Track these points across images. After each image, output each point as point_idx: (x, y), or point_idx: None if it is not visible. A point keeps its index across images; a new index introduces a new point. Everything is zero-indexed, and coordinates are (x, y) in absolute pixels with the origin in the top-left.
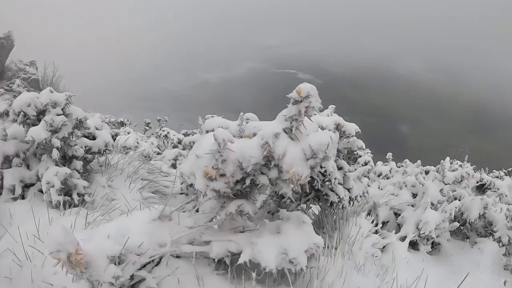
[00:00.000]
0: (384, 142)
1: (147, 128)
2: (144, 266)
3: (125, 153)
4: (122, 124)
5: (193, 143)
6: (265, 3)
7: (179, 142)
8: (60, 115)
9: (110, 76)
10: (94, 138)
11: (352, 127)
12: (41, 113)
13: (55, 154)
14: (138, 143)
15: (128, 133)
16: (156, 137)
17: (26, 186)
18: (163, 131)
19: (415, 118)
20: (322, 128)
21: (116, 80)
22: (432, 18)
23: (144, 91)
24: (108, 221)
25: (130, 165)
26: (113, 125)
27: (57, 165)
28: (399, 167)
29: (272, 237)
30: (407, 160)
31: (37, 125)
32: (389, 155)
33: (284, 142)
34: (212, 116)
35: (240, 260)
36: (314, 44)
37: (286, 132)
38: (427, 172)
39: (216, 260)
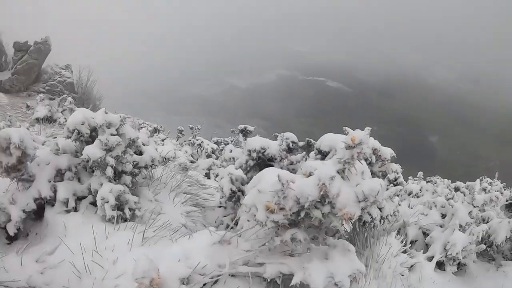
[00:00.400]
0: (413, 153)
1: (180, 135)
2: (205, 284)
3: (165, 164)
4: (155, 130)
5: (233, 159)
6: (296, 10)
7: (213, 151)
8: (114, 135)
9: (140, 80)
10: (141, 153)
11: (387, 152)
12: (93, 130)
13: (109, 171)
14: (175, 153)
15: (163, 140)
16: (189, 145)
17: (78, 199)
18: (197, 140)
19: (445, 129)
20: None
21: (146, 84)
22: (464, 27)
23: (173, 95)
24: (160, 237)
25: (172, 178)
26: (150, 132)
27: (110, 181)
28: (428, 181)
29: (320, 263)
30: (438, 178)
31: (89, 141)
32: (420, 174)
33: (338, 183)
34: (243, 126)
35: (293, 282)
36: (343, 51)
37: (338, 173)
38: (456, 189)
39: (268, 280)
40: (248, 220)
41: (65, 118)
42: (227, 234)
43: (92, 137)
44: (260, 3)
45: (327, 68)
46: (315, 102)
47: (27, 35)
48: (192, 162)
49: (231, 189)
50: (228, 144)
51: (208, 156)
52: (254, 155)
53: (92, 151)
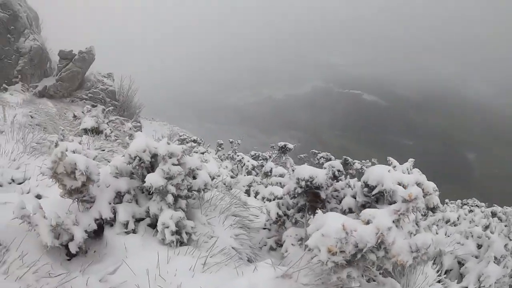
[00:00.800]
0: (449, 170)
1: (220, 148)
2: None
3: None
4: (195, 141)
5: (281, 184)
6: (333, 23)
7: (253, 168)
8: (176, 165)
9: (177, 88)
10: (194, 177)
11: (430, 186)
12: (153, 157)
13: (170, 199)
14: (219, 170)
15: (203, 153)
16: (229, 159)
17: (137, 221)
18: (238, 155)
19: (483, 146)
20: (403, 186)
21: (182, 91)
22: (506, 41)
23: (208, 103)
24: (220, 265)
25: (222, 200)
26: (187, 142)
27: (169, 207)
28: (464, 204)
29: None
30: (475, 200)
31: (148, 167)
32: (458, 202)
33: (394, 233)
34: (283, 143)
35: None
36: (380, 64)
37: (393, 222)
38: (493, 214)
39: None
40: (312, 259)
41: (110, 130)
42: (289, 270)
43: (151, 163)
44: (299, 16)
45: (363, 81)
46: (350, 115)
47: (71, 43)
48: (232, 177)
49: (277, 214)
50: (266, 159)
51: (249, 173)
52: (303, 183)
53: (155, 180)
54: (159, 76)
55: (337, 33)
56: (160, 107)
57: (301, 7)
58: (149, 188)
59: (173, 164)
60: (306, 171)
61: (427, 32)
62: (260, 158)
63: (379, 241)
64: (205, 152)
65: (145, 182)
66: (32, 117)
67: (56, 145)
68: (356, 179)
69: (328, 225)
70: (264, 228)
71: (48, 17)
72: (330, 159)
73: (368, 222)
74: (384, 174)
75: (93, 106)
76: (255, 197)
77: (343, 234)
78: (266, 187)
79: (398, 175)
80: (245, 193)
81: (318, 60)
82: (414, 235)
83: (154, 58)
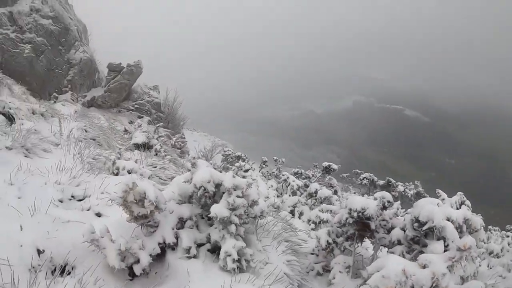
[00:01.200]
0: (493, 191)
1: (264, 166)
2: None
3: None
4: (239, 158)
5: (331, 211)
6: (375, 36)
7: (298, 188)
8: (240, 197)
9: (218, 100)
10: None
11: (477, 221)
12: (216, 187)
13: (233, 228)
14: (268, 191)
15: (247, 170)
16: (273, 176)
17: (197, 246)
18: (283, 175)
19: None
20: (451, 221)
21: (223, 103)
22: None
23: (249, 115)
24: None
25: (274, 225)
26: (231, 158)
27: (231, 236)
28: (508, 230)
29: None
30: None
31: (211, 196)
32: (503, 233)
33: (447, 278)
34: (327, 163)
35: None
36: (422, 78)
37: (447, 267)
38: None
39: None
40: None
41: (160, 145)
42: None
43: (214, 193)
44: (342, 29)
45: (405, 96)
46: (391, 131)
47: (116, 55)
48: (277, 196)
49: (327, 241)
50: (309, 177)
51: (293, 193)
52: (355, 214)
53: (219, 210)
54: (200, 87)
55: (379, 46)
56: (201, 117)
57: (344, 21)
58: (214, 218)
59: (238, 196)
60: (358, 202)
61: (470, 46)
62: (302, 175)
63: (434, 285)
64: (249, 169)
65: (204, 208)
66: (86, 131)
67: (114, 163)
68: (399, 203)
69: (388, 267)
70: (312, 253)
71: (96, 29)
72: (373, 180)
73: (424, 266)
74: (435, 211)
75: (139, 117)
76: (299, 217)
77: (403, 277)
78: (310, 208)
79: (447, 211)
80: (290, 213)
81: (359, 74)
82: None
83: (195, 69)
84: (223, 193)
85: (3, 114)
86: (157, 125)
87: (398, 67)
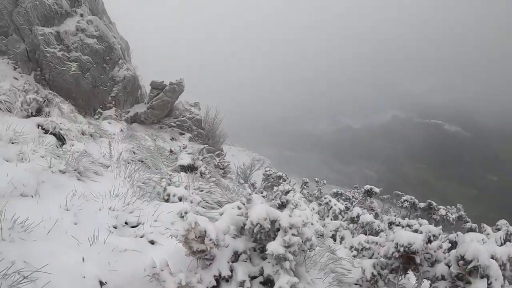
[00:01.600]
0: None
1: (305, 187)
2: None
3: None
4: (280, 178)
5: (377, 243)
6: (412, 49)
7: (340, 212)
8: (295, 235)
9: (254, 114)
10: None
11: None
12: (272, 223)
13: (287, 265)
14: (312, 217)
15: (287, 192)
16: (314, 198)
17: (251, 278)
18: (325, 198)
19: None
20: (495, 259)
21: (258, 117)
22: None
23: (285, 130)
24: None
25: (321, 256)
26: (272, 179)
27: (285, 272)
28: None
29: None
30: None
31: (268, 232)
32: None
33: None
34: (369, 186)
35: None
36: (462, 91)
37: None
38: None
39: None
40: None
41: (205, 167)
42: None
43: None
44: (378, 43)
45: (444, 110)
46: (431, 147)
47: (159, 70)
48: (319, 219)
49: (372, 273)
50: (349, 199)
51: (335, 217)
52: (401, 249)
53: (275, 248)
54: (238, 99)
55: (418, 59)
56: (238, 131)
57: (382, 34)
58: (269, 255)
59: (293, 235)
60: (405, 236)
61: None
62: (343, 196)
63: None
64: (289, 191)
65: (257, 242)
66: (134, 152)
67: (165, 190)
68: (443, 234)
69: None
70: (356, 284)
71: (138, 44)
72: (414, 203)
73: None
74: (480, 250)
75: (181, 134)
76: (341, 242)
77: None
78: (352, 233)
79: (491, 249)
80: (331, 237)
81: (397, 88)
82: None
83: (232, 81)
84: (277, 229)
85: (54, 135)
86: (202, 147)
87: (437, 80)
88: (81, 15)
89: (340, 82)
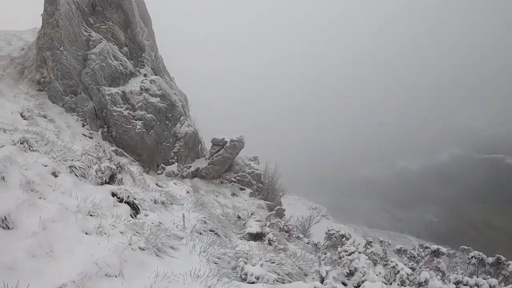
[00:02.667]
0: None
1: (369, 246)
2: None
3: None
4: (343, 236)
5: None
6: (465, 82)
7: (407, 277)
8: None
9: (309, 161)
10: None
11: None
12: None
13: None
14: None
15: (351, 253)
16: (379, 260)
17: None
18: (391, 262)
19: None
20: None
21: (316, 165)
22: None
23: (342, 176)
24: None
25: None
26: (335, 238)
27: None
28: None
29: None
30: None
31: None
32: None
33: None
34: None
35: None
36: None
37: None
38: None
39: None
40: None
41: (273, 234)
42: None
43: None
44: (433, 78)
45: (506, 143)
46: (493, 184)
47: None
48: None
49: None
50: (414, 257)
51: (402, 282)
52: None
53: None
54: (291, 147)
55: (474, 91)
56: (293, 178)
57: (438, 68)
58: None
59: None
60: None
61: None
62: (407, 254)
63: None
64: (354, 252)
65: None
66: (205, 222)
67: (242, 269)
68: None
69: None
70: None
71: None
72: (482, 259)
73: None
74: None
75: (241, 189)
76: None
77: None
78: None
79: None
80: None
81: (455, 123)
82: None
83: (286, 129)
84: None
85: (128, 203)
86: (270, 214)
87: (496, 113)
88: (145, 75)
89: (396, 123)
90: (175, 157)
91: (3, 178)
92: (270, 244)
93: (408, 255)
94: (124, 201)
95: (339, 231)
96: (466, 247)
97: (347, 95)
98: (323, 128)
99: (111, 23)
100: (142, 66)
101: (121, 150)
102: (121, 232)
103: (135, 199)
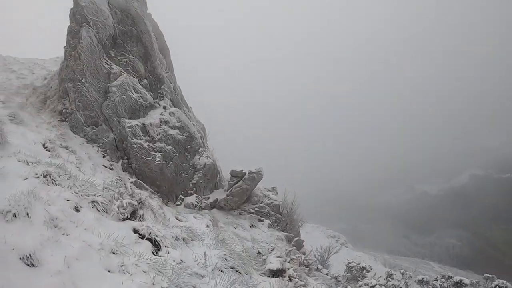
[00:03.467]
0: None
1: (390, 279)
2: None
3: None
4: (363, 269)
5: None
6: (483, 102)
7: None
8: None
9: (328, 189)
10: None
11: None
12: None
13: None
14: None
15: (373, 286)
16: None
17: None
18: None
19: None
20: None
21: (334, 193)
22: None
23: (360, 203)
24: None
25: None
26: (355, 270)
27: None
28: None
29: None
30: None
31: None
32: None
33: None
34: (459, 278)
35: None
36: None
37: None
38: None
39: None
40: None
41: (293, 270)
42: None
43: None
44: (443, 106)
45: None
46: None
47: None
48: None
49: None
50: None
51: None
52: None
53: None
54: (309, 175)
55: (493, 110)
56: (310, 206)
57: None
58: None
59: None
60: None
61: None
62: (429, 285)
63: None
64: (375, 285)
65: None
66: (226, 259)
67: None
68: None
69: None
70: None
71: (215, 124)
72: (506, 287)
73: None
74: None
75: (260, 220)
76: None
77: None
78: None
79: None
80: None
81: (472, 146)
82: None
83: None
84: None
85: (149, 239)
86: (290, 250)
87: (509, 131)
88: (164, 107)
89: (413, 148)
90: (194, 188)
91: (28, 214)
92: (290, 280)
93: (430, 286)
94: (145, 237)
95: (360, 263)
96: (490, 275)
97: (363, 120)
98: (340, 154)
99: (131, 56)
100: (162, 98)
101: (141, 182)
102: (144, 271)
103: (156, 236)
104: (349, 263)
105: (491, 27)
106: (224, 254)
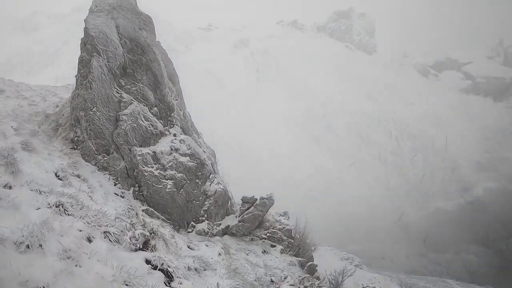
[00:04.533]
0: None
1: None
2: None
3: None
4: None
5: None
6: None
7: None
8: None
9: (335, 210)
10: None
11: None
12: None
13: None
14: None
15: None
16: None
17: None
18: None
19: None
20: None
21: (341, 212)
22: None
23: (370, 222)
24: None
25: None
26: None
27: None
28: None
29: None
30: None
31: None
32: None
33: None
34: None
35: None
36: None
37: None
38: None
39: None
40: None
41: None
42: None
43: None
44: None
45: None
46: None
47: (246, 186)
48: None
49: None
50: None
51: None
52: None
53: None
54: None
55: (501, 121)
56: (321, 227)
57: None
58: None
59: None
60: None
61: None
62: None
63: None
64: None
65: None
66: None
67: None
68: None
69: None
70: None
71: (224, 149)
72: None
73: None
74: None
75: (272, 246)
76: None
77: None
78: None
79: None
80: None
81: (486, 157)
82: None
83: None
84: None
85: (162, 270)
86: (303, 277)
87: None
88: (174, 135)
89: (425, 163)
90: (205, 215)
91: (41, 246)
92: None
93: None
94: (158, 268)
95: (374, 285)
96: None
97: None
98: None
99: (141, 85)
100: (172, 126)
101: (152, 210)
102: None
103: (169, 266)
104: (363, 287)
105: None
106: (237, 284)
